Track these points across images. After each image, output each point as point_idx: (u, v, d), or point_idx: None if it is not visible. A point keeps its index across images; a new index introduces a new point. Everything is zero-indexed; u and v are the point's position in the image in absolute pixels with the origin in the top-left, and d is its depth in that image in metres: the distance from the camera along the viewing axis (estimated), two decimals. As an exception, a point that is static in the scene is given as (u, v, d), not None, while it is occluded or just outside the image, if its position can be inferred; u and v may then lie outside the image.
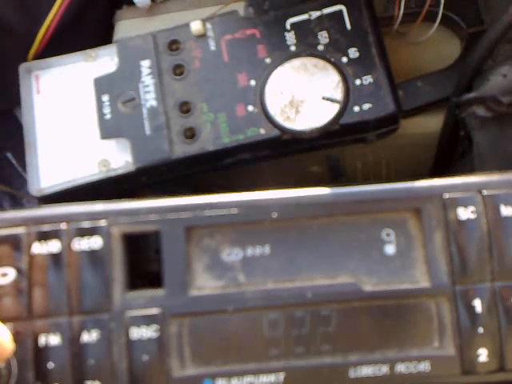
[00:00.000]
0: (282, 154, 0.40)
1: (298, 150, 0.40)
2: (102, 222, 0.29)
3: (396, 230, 0.30)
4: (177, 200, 0.30)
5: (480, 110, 0.36)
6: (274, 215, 0.29)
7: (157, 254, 0.30)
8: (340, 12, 0.39)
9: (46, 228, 0.29)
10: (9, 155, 0.50)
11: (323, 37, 0.38)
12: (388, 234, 0.30)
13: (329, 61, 0.38)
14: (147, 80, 0.39)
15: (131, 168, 0.38)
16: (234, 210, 0.29)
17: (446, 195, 0.29)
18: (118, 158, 0.38)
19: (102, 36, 0.44)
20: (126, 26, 0.44)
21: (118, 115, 0.38)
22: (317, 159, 0.44)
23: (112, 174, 0.38)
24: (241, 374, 0.29)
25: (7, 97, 0.46)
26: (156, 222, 0.29)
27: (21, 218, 0.29)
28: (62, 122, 0.39)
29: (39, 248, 0.29)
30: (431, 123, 0.41)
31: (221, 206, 0.29)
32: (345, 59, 0.38)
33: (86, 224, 0.29)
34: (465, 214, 0.29)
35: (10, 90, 0.42)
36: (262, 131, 0.37)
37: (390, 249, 0.30)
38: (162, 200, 0.30)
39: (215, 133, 0.37)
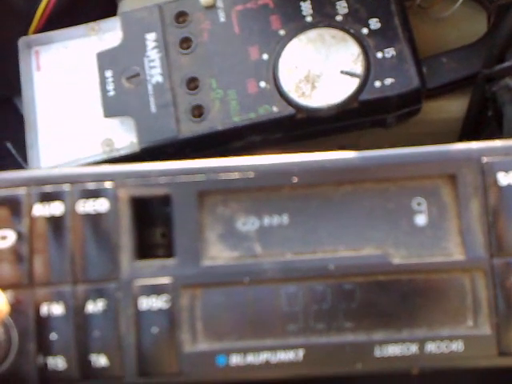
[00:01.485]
0: (295, 138, 0.37)
1: (312, 134, 0.37)
2: (109, 184, 0.27)
3: (428, 198, 0.27)
4: (189, 163, 0.28)
5: (514, 82, 0.33)
6: (295, 180, 0.27)
7: (164, 237, 0.28)
8: (360, -21, 0.36)
9: (49, 189, 0.27)
10: (8, 145, 0.49)
11: (342, 6, 0.36)
12: (419, 203, 0.27)
13: (348, 32, 0.35)
14: (153, 54, 0.36)
15: (136, 148, 0.36)
16: (251, 174, 0.27)
17: (485, 159, 0.27)
18: (122, 137, 0.36)
19: (104, 15, 0.41)
20: (130, 4, 0.41)
21: (121, 92, 0.36)
22: (329, 149, 0.41)
23: (115, 154, 0.36)
24: (257, 350, 0.27)
25: (7, 84, 0.44)
26: (166, 186, 0.27)
27: (22, 178, 0.27)
28: (64, 100, 0.37)
29: (41, 210, 0.27)
30: (454, 107, 0.38)
31: (236, 169, 0.27)
32: (365, 30, 0.35)
33: (92, 186, 0.27)
34: (505, 179, 0.27)
35: (10, 76, 0.41)
36: (275, 109, 0.35)
37: (420, 219, 0.27)
38: (174, 162, 0.27)
39: (225, 111, 0.35)
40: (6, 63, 0.41)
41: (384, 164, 0.27)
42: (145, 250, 0.27)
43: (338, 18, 0.36)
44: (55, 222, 0.27)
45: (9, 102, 0.48)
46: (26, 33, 0.41)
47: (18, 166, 0.49)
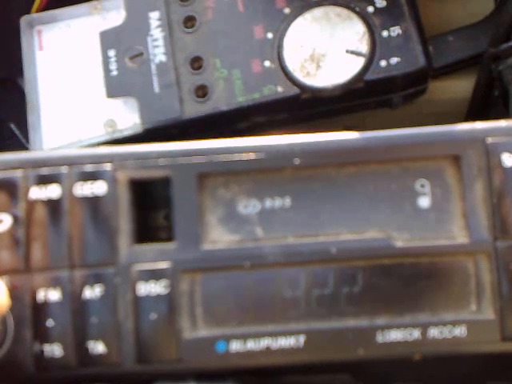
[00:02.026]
0: (300, 119, 0.37)
1: (317, 114, 0.37)
2: (107, 166, 0.26)
3: (431, 180, 0.27)
4: (189, 144, 0.27)
5: (520, 61, 0.33)
6: (297, 162, 0.27)
7: (166, 219, 0.27)
8: (365, -44, 0.36)
9: (46, 171, 0.26)
10: (12, 126, 0.48)
11: (347, -16, 0.35)
12: (422, 185, 0.27)
13: (353, 10, 0.35)
14: (156, 33, 0.36)
15: (139, 129, 0.35)
16: (252, 156, 0.27)
17: (489, 140, 0.27)
18: (125, 118, 0.36)
19: None
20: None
21: (124, 71, 0.36)
22: (334, 130, 0.41)
23: (118, 135, 0.36)
24: (257, 335, 0.26)
25: (9, 64, 0.44)
26: (166, 168, 0.26)
27: (18, 160, 0.27)
28: (66, 80, 0.37)
29: (38, 193, 0.26)
30: (459, 88, 0.38)
31: (237, 150, 0.27)
32: (371, 9, 0.35)
33: (89, 168, 0.26)
34: (510, 160, 0.26)
35: (13, 56, 0.40)
36: (280, 89, 0.35)
37: (424, 201, 0.27)
38: (174, 144, 0.27)
39: (229, 91, 0.35)
40: (9, 43, 0.40)
41: (387, 145, 0.27)
42: (147, 232, 0.27)
43: None
44: (52, 206, 0.26)
45: (12, 82, 0.47)
46: (28, 12, 0.40)
47: (22, 147, 0.48)
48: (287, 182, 0.27)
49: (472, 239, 0.26)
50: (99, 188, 0.26)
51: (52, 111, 0.37)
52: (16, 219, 0.26)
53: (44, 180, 0.26)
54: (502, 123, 0.27)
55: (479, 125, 0.27)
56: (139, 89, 0.35)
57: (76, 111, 0.36)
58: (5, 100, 0.48)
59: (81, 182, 0.26)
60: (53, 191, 0.26)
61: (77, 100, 0.37)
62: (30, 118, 0.36)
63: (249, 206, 0.27)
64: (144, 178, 0.27)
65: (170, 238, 0.27)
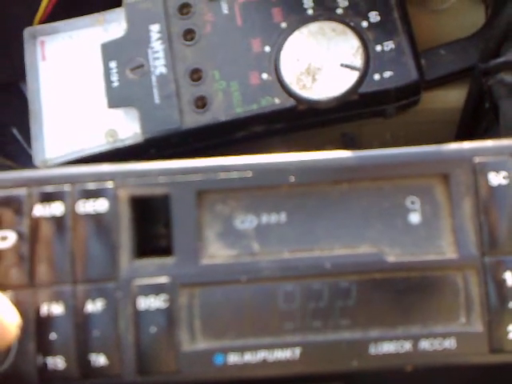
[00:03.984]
0: (297, 128, 0.38)
1: (313, 124, 0.38)
2: (109, 184, 0.27)
3: (421, 197, 0.28)
4: (188, 162, 0.28)
5: (508, 77, 0.34)
6: (292, 179, 0.27)
7: (166, 228, 0.28)
8: (360, -27, 0.37)
9: (49, 189, 0.27)
10: (14, 130, 0.49)
11: (342, -1, 0.36)
12: (413, 202, 0.28)
13: (348, 25, 0.36)
14: (157, 45, 0.37)
15: (140, 139, 0.36)
16: (249, 173, 0.28)
17: (477, 159, 0.27)
18: (126, 128, 0.37)
19: (110, 6, 0.42)
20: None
21: (125, 83, 0.37)
22: (331, 137, 0.42)
23: (119, 145, 0.37)
24: (254, 348, 0.27)
25: (12, 69, 0.45)
26: (166, 185, 0.27)
27: (22, 178, 0.27)
28: (68, 91, 0.38)
29: (41, 210, 0.27)
30: (452, 97, 0.39)
31: (234, 168, 0.28)
32: (365, 23, 0.36)
33: (92, 185, 0.27)
34: (496, 179, 0.27)
35: (15, 61, 0.41)
36: (277, 101, 0.36)
37: (414, 217, 0.28)
38: (173, 162, 0.28)
39: (227, 102, 0.36)
40: (12, 48, 0.41)
41: (379, 163, 0.28)
42: (148, 243, 0.28)
43: (339, 10, 0.36)
44: (56, 223, 0.27)
45: (14, 86, 0.48)
46: (31, 23, 0.41)
47: (24, 152, 0.48)
48: (283, 198, 0.28)
49: (461, 254, 0.27)
50: (101, 205, 0.27)
51: (54, 121, 0.37)
52: (20, 236, 0.27)
53: (48, 198, 0.27)
54: (489, 143, 0.28)
55: (467, 145, 0.28)
56: (140, 100, 0.36)
57: (78, 121, 0.37)
58: (7, 105, 0.48)
59: (83, 200, 0.27)
60: (56, 209, 0.27)
61: (79, 110, 0.37)
62: (33, 128, 0.37)
63: (246, 222, 0.28)
64: (144, 196, 0.27)
65: (170, 247, 0.27)
